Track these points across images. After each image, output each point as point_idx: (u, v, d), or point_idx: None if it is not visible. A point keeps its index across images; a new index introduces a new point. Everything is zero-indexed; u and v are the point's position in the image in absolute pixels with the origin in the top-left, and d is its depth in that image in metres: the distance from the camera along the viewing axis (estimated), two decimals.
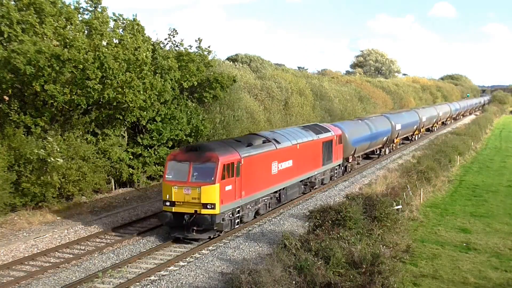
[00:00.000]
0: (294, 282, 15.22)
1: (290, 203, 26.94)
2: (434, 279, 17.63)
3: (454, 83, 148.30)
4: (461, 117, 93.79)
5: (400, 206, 24.12)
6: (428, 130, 65.36)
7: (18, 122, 22.99)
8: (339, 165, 33.28)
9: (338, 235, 18.33)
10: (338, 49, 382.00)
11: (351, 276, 15.45)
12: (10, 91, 22.79)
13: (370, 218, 21.20)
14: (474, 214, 26.95)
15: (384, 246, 19.14)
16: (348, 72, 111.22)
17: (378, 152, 43.74)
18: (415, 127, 55.23)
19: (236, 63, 50.49)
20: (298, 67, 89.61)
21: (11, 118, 22.88)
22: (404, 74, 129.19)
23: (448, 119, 79.34)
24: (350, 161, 35.89)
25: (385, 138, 43.47)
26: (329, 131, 30.96)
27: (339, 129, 32.95)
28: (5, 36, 22.26)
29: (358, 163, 38.59)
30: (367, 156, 42.81)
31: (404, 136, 52.54)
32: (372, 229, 20.40)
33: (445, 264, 19.23)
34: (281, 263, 16.11)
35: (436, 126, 68.82)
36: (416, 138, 57.13)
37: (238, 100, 34.16)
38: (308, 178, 28.15)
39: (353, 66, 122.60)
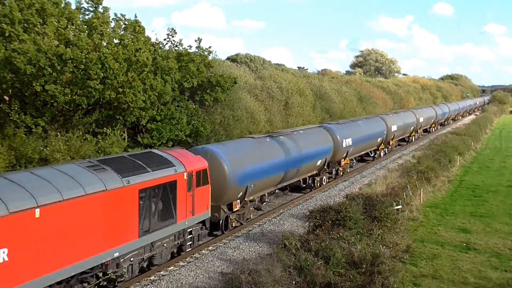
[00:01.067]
0: (294, 282, 15.25)
1: (290, 203, 26.82)
2: (434, 279, 17.66)
3: (454, 83, 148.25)
4: (451, 121, 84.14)
5: (400, 206, 24.15)
6: (403, 140, 54.17)
7: (18, 122, 23.01)
8: (204, 222, 19.66)
9: (338, 235, 18.36)
10: (338, 49, 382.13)
11: (351, 276, 15.49)
12: (10, 91, 22.79)
13: (370, 218, 21.24)
14: (474, 214, 26.96)
15: (384, 246, 19.18)
16: (348, 72, 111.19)
17: (309, 182, 30.05)
18: (379, 139, 41.86)
19: (235, 63, 50.47)
20: (298, 67, 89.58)
21: (11, 118, 22.89)
22: (404, 74, 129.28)
23: (433, 125, 68.23)
24: (235, 209, 21.81)
25: (320, 161, 30.01)
26: (170, 166, 17.34)
27: (202, 158, 19.40)
28: (6, 35, 22.28)
29: (258, 209, 24.63)
30: (297, 187, 29.94)
31: (363, 152, 39.49)
32: (372, 229, 20.44)
33: (445, 264, 19.25)
34: (281, 263, 16.14)
35: (414, 136, 56.42)
36: (382, 154, 43.85)
37: (238, 100, 34.15)
38: (93, 269, 14.58)
39: (353, 66, 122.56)
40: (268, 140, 25.48)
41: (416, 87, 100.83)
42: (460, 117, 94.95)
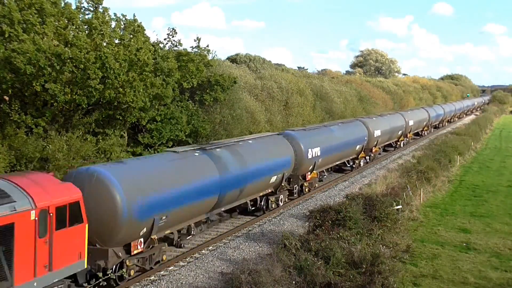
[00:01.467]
0: (294, 282, 15.25)
1: (290, 202, 26.90)
2: (434, 279, 17.66)
3: (454, 83, 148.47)
4: (446, 123, 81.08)
5: (400, 206, 24.16)
6: (390, 145, 49.49)
7: (19, 122, 23.02)
8: (75, 276, 14.01)
9: (338, 235, 18.37)
10: (338, 49, 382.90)
11: (351, 276, 15.50)
12: (10, 91, 22.80)
13: (370, 218, 21.24)
14: (474, 214, 26.98)
15: (384, 246, 19.17)
16: (348, 72, 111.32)
17: (261, 203, 24.35)
18: (358, 147, 36.83)
19: (235, 63, 50.46)
20: (298, 67, 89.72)
21: (11, 118, 22.90)
22: (404, 74, 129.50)
23: (425, 128, 63.73)
24: (136, 252, 16.20)
25: (276, 177, 24.65)
26: (2, 202, 11.66)
27: (73, 186, 13.83)
28: (6, 36, 22.29)
29: (178, 246, 19.20)
30: (244, 210, 24.04)
31: (338, 162, 34.72)
32: (372, 229, 20.44)
33: (445, 264, 19.25)
34: (281, 263, 16.15)
35: (403, 140, 51.51)
36: (362, 163, 38.49)
37: (238, 100, 34.15)
38: None
39: (353, 66, 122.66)
40: (196, 154, 19.86)
41: (416, 87, 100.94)
42: (457, 119, 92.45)
